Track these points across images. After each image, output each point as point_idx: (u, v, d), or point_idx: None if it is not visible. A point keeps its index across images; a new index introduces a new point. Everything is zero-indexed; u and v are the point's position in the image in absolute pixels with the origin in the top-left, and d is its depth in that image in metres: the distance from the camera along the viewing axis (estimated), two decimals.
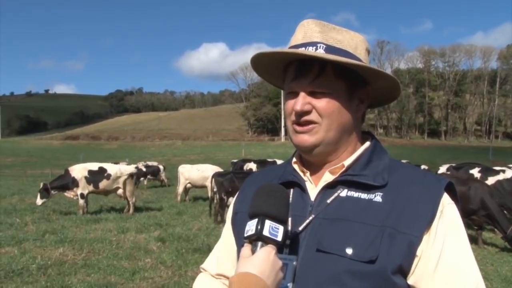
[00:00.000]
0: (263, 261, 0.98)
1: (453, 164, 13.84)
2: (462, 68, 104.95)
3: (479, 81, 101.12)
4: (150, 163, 26.11)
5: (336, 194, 1.15)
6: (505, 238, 8.11)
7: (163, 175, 24.59)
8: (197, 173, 15.98)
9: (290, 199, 1.18)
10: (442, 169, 13.08)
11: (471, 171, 11.67)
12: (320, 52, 1.12)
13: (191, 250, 7.83)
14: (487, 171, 11.42)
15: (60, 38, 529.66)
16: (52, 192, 12.50)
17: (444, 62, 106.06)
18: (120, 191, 13.18)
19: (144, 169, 23.03)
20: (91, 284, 6.01)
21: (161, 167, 24.86)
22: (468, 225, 8.90)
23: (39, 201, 12.40)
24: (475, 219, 8.39)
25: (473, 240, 8.61)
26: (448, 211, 1.08)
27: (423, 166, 17.83)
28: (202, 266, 1.39)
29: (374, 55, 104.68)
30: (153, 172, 24.05)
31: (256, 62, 1.23)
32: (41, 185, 12.50)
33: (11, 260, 7.02)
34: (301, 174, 1.23)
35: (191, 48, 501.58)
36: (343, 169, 1.17)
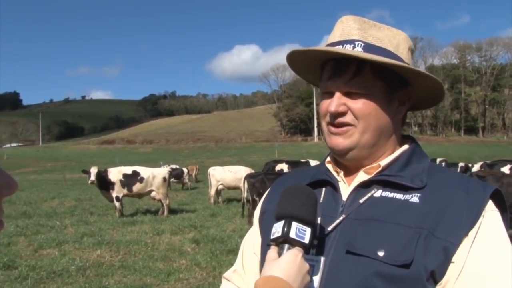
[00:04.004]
0: (290, 264, 0.95)
1: (488, 162, 13.49)
2: (500, 62, 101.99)
3: None
4: (174, 166, 26.45)
5: (369, 194, 1.09)
6: None
7: (186, 178, 24.89)
8: (230, 174, 16.07)
9: (321, 198, 1.15)
10: (476, 166, 12.77)
11: (502, 169, 11.32)
12: (358, 51, 1.06)
13: (225, 252, 7.87)
14: None
15: (97, 46, 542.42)
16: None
17: (481, 56, 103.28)
18: (153, 194, 13.39)
19: None
20: (127, 285, 6.15)
21: (185, 170, 25.19)
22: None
23: (93, 178, 12.62)
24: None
25: None
26: (488, 218, 1.00)
27: (460, 164, 17.35)
28: (226, 275, 1.31)
29: None
30: (177, 175, 24.32)
31: (292, 60, 1.18)
32: (96, 170, 12.73)
33: (52, 262, 7.25)
34: (335, 174, 1.17)
35: (223, 50, 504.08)
36: (379, 169, 1.11)
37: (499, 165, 11.92)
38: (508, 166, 11.38)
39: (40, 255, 7.95)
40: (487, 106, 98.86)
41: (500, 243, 0.99)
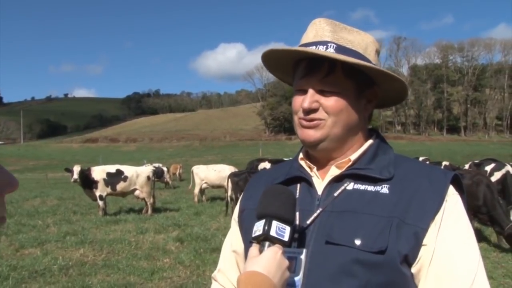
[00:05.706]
0: (270, 260, 1.00)
1: (476, 161, 13.81)
2: (481, 63, 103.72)
3: (499, 75, 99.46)
4: (157, 165, 26.26)
5: (343, 187, 1.17)
6: (500, 233, 7.88)
7: (167, 177, 24.80)
8: (214, 173, 16.07)
9: (297, 194, 1.21)
10: (466, 166, 13.16)
11: (486, 168, 11.63)
12: (330, 52, 1.13)
13: (209, 250, 7.89)
14: (499, 166, 11.37)
15: (80, 43, 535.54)
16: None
17: (463, 56, 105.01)
18: (137, 193, 13.33)
19: None
20: (111, 284, 6.12)
21: (164, 169, 25.07)
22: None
23: (76, 176, 12.54)
24: (482, 217, 8.08)
25: (480, 238, 8.48)
26: (450, 202, 1.10)
27: (444, 163, 17.58)
28: (213, 276, 1.37)
29: (390, 51, 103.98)
30: (157, 174, 24.14)
31: (266, 58, 1.25)
32: (79, 169, 12.66)
33: (34, 261, 7.18)
34: (308, 169, 1.24)
35: (208, 49, 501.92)
36: (349, 163, 1.19)
37: (484, 164, 12.24)
38: (492, 165, 11.67)
39: (22, 254, 7.86)
40: (469, 106, 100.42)
41: (462, 223, 1.10)
